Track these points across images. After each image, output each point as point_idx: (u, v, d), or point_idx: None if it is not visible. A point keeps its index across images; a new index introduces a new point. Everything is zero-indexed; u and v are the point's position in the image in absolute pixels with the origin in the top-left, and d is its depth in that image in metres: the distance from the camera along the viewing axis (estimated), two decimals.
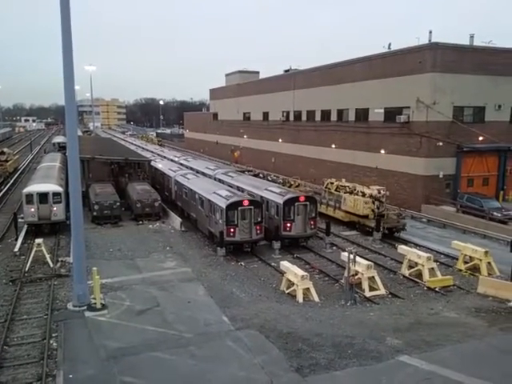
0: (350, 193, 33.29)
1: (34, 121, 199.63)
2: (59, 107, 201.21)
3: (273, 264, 25.21)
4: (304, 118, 54.36)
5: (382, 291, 21.39)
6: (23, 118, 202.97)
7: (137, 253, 26.30)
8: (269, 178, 50.10)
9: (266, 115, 64.04)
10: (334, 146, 47.72)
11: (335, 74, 47.70)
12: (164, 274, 22.66)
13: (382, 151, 40.67)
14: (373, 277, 21.54)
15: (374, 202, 31.26)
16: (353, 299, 19.99)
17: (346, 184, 35.34)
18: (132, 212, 34.89)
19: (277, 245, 27.48)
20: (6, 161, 56.87)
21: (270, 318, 17.43)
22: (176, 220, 33.09)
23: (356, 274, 20.54)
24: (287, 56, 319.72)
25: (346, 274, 20.46)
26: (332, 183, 36.11)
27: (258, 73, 78.30)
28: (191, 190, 33.25)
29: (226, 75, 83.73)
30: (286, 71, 64.02)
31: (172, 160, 52.50)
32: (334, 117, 48.43)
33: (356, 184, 34.83)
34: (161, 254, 26.36)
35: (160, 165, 46.11)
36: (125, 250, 26.73)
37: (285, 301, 20.27)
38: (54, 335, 16.35)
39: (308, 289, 20.47)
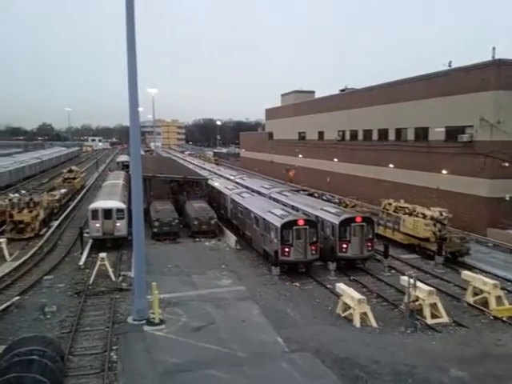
0: (410, 214, 32.21)
1: (99, 140, 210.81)
2: (123, 128, 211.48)
3: (328, 286, 24.76)
4: (360, 137, 53.64)
5: (445, 319, 20.34)
6: (90, 138, 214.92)
7: (193, 269, 26.80)
8: (324, 197, 49.53)
9: (321, 134, 63.84)
10: (391, 165, 46.58)
11: (393, 93, 46.85)
12: (219, 292, 22.89)
13: (444, 171, 39.14)
14: (435, 303, 20.56)
15: (435, 225, 30.03)
16: (413, 326, 19.15)
17: (406, 205, 34.25)
18: (189, 229, 35.73)
19: (332, 266, 27.00)
20: (74, 178, 60.32)
21: (325, 342, 17.05)
22: (231, 238, 33.48)
23: (417, 300, 19.72)
24: (342, 76, 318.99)
25: (405, 300, 19.70)
26: (390, 204, 35.14)
27: (313, 92, 78.56)
28: (246, 208, 33.59)
29: (282, 95, 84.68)
30: (342, 90, 63.73)
31: (228, 179, 53.39)
32: (391, 136, 47.40)
33: (416, 205, 33.66)
34: (216, 271, 26.70)
35: (216, 183, 47.04)
36: (182, 266, 27.34)
37: (341, 324, 19.79)
38: (114, 348, 16.94)
39: (365, 313, 19.88)
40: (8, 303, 20.97)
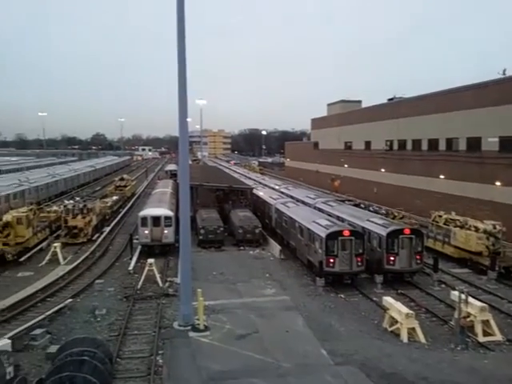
0: (461, 227, 31.01)
1: (149, 150, 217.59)
2: (172, 138, 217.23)
3: (374, 299, 24.22)
4: (409, 147, 52.36)
5: (498, 337, 19.36)
6: (140, 148, 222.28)
7: (238, 277, 27.01)
8: (370, 208, 48.62)
9: (368, 144, 62.87)
10: (442, 176, 45.10)
11: (444, 102, 45.48)
12: (263, 301, 22.93)
13: (497, 183, 37.45)
14: (487, 320, 19.62)
15: (488, 238, 28.75)
16: (464, 343, 18.38)
17: (457, 217, 32.99)
18: (234, 237, 36.10)
19: (379, 278, 26.39)
20: (125, 186, 62.53)
21: (371, 356, 16.69)
22: (275, 247, 33.51)
23: (468, 316, 18.92)
24: (390, 85, 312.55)
25: (456, 316, 18.95)
26: (440, 216, 33.97)
27: (360, 102, 77.71)
28: (291, 218, 33.54)
29: (328, 105, 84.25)
30: (390, 99, 62.61)
31: (273, 188, 53.52)
32: (442, 146, 45.98)
33: (467, 218, 32.36)
34: (260, 280, 26.77)
35: (261, 192, 47.29)
36: (227, 274, 27.63)
37: (387, 339, 19.27)
38: (160, 352, 17.34)
39: (413, 328, 19.27)
40: (61, 305, 21.95)
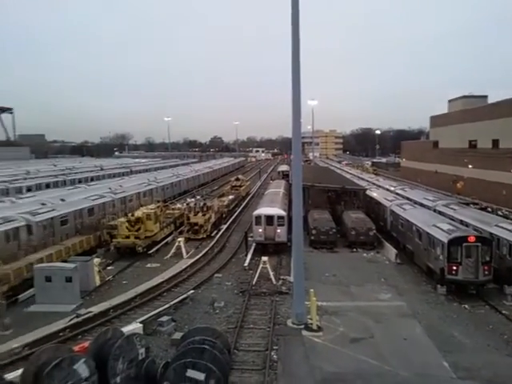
0: None
1: (262, 151, 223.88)
2: (284, 139, 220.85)
3: (504, 312, 22.04)
4: None
5: None
6: (254, 149, 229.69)
7: (351, 280, 26.55)
8: (499, 212, 44.29)
9: (495, 143, 57.26)
10: None
11: None
12: (378, 306, 22.26)
13: None
14: None
15: None
16: None
17: None
18: (346, 239, 35.52)
19: (509, 290, 23.94)
20: (240, 186, 65.14)
21: (500, 373, 15.29)
22: (391, 251, 32.23)
23: None
24: None
25: None
26: None
27: (485, 97, 71.09)
28: (408, 221, 31.98)
29: (449, 101, 78.62)
30: None
31: (387, 189, 51.57)
32: None
33: None
34: (375, 284, 26.00)
35: (375, 194, 45.84)
36: (339, 276, 27.32)
37: None
38: (274, 348, 17.80)
39: None
40: (184, 296, 23.68)
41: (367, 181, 62.72)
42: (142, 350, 13.97)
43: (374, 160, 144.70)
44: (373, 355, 16.59)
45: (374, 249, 34.00)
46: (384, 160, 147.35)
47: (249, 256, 31.60)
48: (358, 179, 64.28)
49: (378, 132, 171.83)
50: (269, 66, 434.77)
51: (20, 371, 12.27)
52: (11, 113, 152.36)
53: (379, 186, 55.27)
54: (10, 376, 12.42)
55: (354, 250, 33.99)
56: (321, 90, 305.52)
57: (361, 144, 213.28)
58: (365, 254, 32.87)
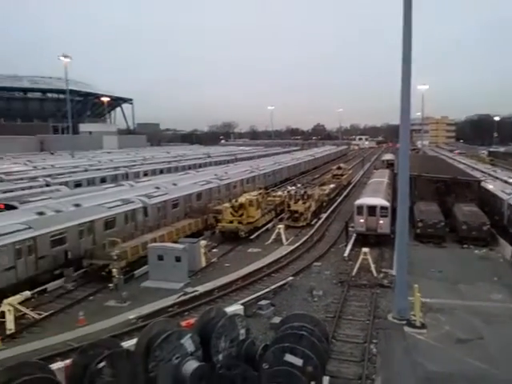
0: None
1: (366, 139, 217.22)
2: (390, 126, 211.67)
3: None
4: None
5: None
6: (357, 137, 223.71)
7: (459, 277, 24.86)
8: None
9: None
10: None
11: None
12: (489, 306, 20.63)
13: None
14: None
15: None
16: None
17: None
18: (456, 234, 33.25)
19: None
20: (342, 175, 64.13)
21: None
22: (507, 248, 29.53)
23: None
24: None
25: None
26: None
27: None
28: None
29: None
30: None
31: (505, 181, 47.06)
32: None
33: None
34: (487, 283, 24.06)
35: (490, 186, 42.14)
36: (446, 273, 25.73)
37: None
38: (374, 341, 17.48)
39: None
40: (283, 281, 24.16)
41: (482, 172, 57.88)
42: (243, 331, 14.60)
43: (491, 149, 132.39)
44: (481, 358, 15.47)
45: (488, 245, 31.35)
46: (503, 149, 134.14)
47: (349, 246, 31.11)
48: (472, 170, 59.61)
49: (496, 118, 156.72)
50: (374, 56, 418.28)
51: (134, 341, 13.52)
52: (131, 103, 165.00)
53: (496, 178, 50.72)
54: (126, 344, 13.69)
55: (465, 245, 31.71)
56: (435, 76, 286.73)
57: (476, 131, 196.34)
58: (476, 251, 30.51)
